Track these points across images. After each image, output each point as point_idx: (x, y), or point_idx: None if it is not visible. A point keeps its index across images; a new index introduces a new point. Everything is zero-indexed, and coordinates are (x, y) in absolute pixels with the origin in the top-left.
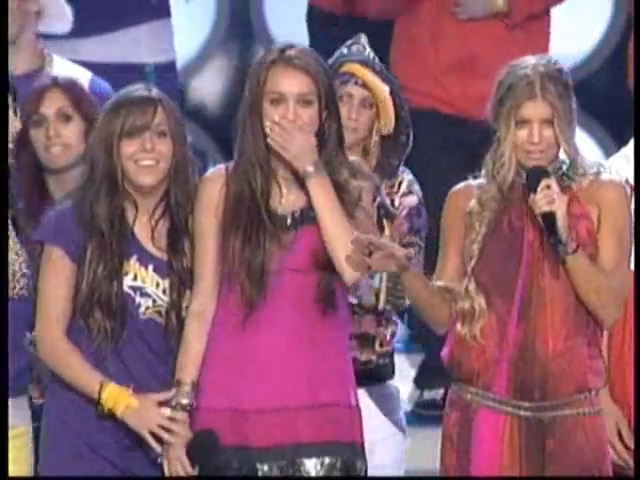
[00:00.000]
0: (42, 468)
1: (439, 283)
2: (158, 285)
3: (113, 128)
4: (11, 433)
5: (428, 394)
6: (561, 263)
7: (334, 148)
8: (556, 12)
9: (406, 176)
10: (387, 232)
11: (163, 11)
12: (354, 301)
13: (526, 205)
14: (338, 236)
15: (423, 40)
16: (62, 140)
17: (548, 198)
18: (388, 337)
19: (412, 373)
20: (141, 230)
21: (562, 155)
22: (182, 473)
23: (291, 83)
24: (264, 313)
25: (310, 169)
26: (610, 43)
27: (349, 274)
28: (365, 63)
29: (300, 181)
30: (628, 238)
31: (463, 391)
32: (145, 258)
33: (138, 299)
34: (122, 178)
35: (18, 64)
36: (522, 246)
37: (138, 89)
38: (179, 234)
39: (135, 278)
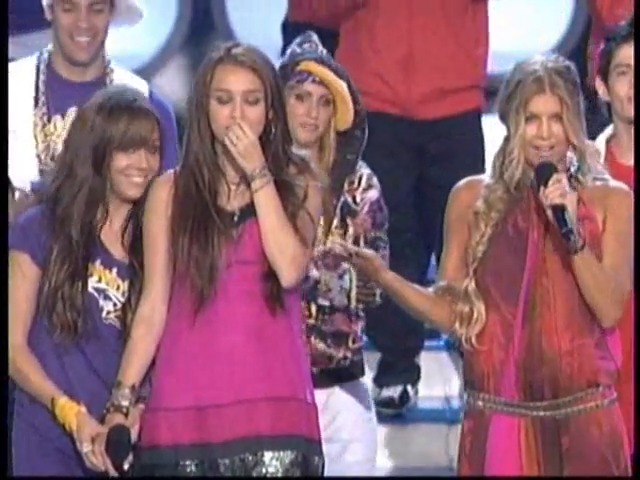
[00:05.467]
0: (15, 470)
1: (442, 283)
2: (119, 288)
3: (109, 136)
4: None
5: (386, 392)
6: (572, 254)
7: (280, 146)
8: (518, 11)
9: (364, 170)
10: (351, 230)
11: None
12: (326, 303)
13: (532, 205)
14: (277, 241)
15: (364, 42)
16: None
17: (560, 191)
18: (359, 333)
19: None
20: (108, 234)
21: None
22: (102, 468)
23: (238, 80)
24: (216, 308)
25: (255, 172)
26: (571, 42)
27: (286, 277)
28: (321, 60)
29: (247, 178)
30: (630, 243)
31: (475, 398)
32: (109, 261)
33: (101, 302)
34: (106, 187)
35: (91, 70)
36: (527, 247)
37: (131, 94)
38: (140, 236)
39: (99, 280)
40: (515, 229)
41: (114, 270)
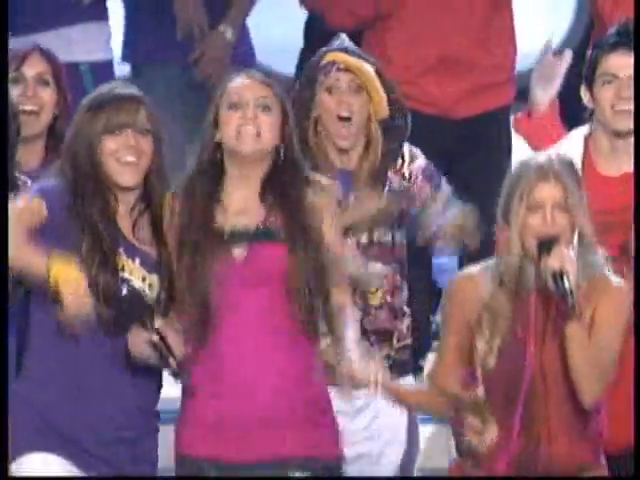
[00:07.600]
0: (11, 447)
1: (434, 380)
2: (144, 279)
3: (96, 126)
4: None
5: None
6: (568, 318)
7: (293, 163)
8: (519, 12)
9: (404, 147)
10: (434, 204)
11: (97, 14)
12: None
13: (532, 311)
14: None
15: (395, 46)
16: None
17: (561, 258)
18: (405, 330)
19: None
20: (122, 222)
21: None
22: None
23: (251, 89)
24: (227, 329)
25: None
26: (572, 44)
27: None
28: (345, 49)
29: (259, 199)
30: (620, 334)
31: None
32: (130, 250)
33: (125, 291)
34: (105, 175)
35: None
36: (525, 357)
37: (118, 86)
38: (162, 231)
39: (123, 269)
40: (514, 338)
41: (137, 260)
